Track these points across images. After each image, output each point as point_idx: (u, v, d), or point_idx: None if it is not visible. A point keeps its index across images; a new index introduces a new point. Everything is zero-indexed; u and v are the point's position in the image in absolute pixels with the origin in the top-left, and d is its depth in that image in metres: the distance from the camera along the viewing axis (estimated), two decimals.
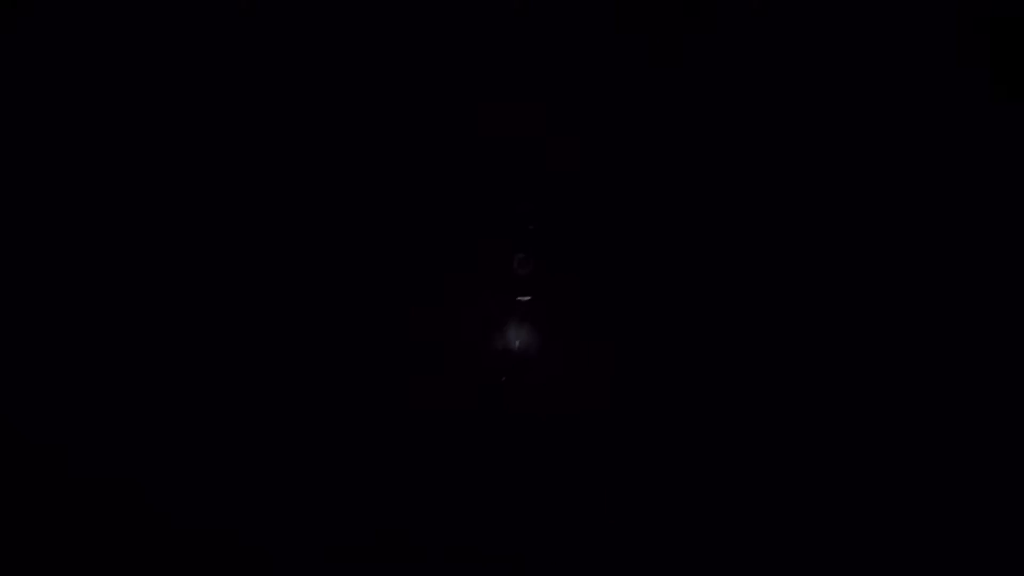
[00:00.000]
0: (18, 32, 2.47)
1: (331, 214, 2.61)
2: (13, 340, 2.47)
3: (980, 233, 2.46)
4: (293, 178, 2.61)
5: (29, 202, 2.50)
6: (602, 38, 2.60)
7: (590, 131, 2.60)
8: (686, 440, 2.53)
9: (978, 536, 2.32)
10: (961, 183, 2.48)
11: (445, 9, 2.58)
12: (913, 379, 2.45)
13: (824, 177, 2.55)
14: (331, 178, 2.63)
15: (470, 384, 2.62)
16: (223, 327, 2.54)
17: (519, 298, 2.63)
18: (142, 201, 2.55)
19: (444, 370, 2.62)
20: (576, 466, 2.55)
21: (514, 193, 2.64)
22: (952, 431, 2.41)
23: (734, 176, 2.59)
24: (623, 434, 2.57)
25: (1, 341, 2.46)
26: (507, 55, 2.62)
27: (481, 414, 2.59)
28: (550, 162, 2.64)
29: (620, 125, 2.63)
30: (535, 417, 2.62)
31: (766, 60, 2.56)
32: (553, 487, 2.55)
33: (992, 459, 2.37)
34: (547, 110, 2.61)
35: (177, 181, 2.56)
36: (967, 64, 2.47)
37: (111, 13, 2.49)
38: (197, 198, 2.56)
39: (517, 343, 2.68)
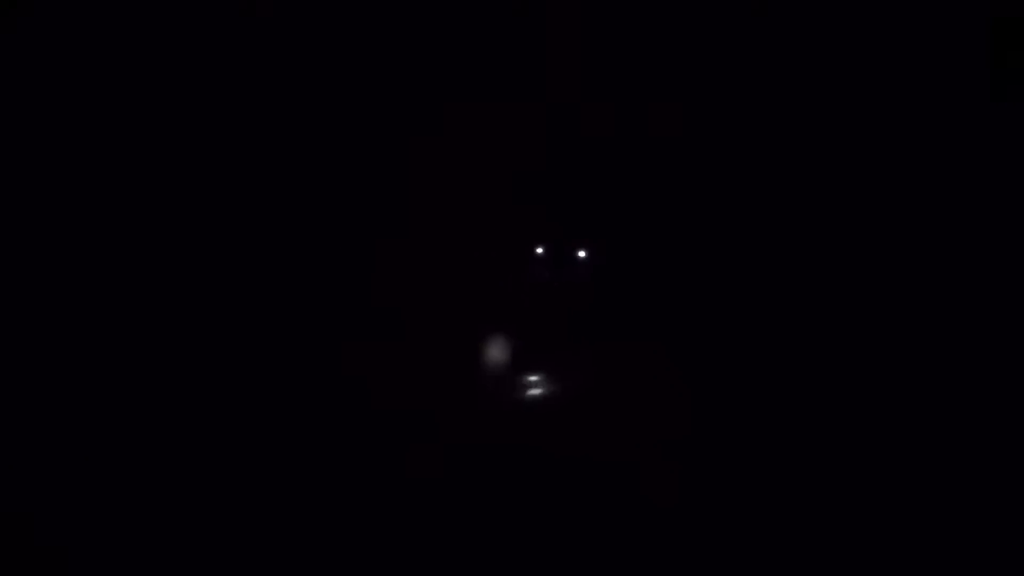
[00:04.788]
0: (18, 32, 2.48)
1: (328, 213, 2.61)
2: None
3: (980, 231, 2.46)
4: (287, 179, 2.62)
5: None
6: None
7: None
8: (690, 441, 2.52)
9: (978, 535, 2.31)
10: (961, 182, 2.48)
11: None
12: (910, 377, 2.44)
13: (824, 176, 2.55)
14: (328, 179, 2.63)
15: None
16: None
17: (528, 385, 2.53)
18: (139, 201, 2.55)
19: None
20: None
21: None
22: (951, 430, 2.40)
23: (732, 176, 2.60)
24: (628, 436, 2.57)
25: None
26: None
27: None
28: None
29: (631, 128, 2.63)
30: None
31: (764, 61, 2.56)
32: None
33: (992, 459, 2.36)
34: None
35: (173, 181, 2.57)
36: (967, 64, 2.48)
37: (110, 13, 2.50)
38: (190, 198, 2.56)
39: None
